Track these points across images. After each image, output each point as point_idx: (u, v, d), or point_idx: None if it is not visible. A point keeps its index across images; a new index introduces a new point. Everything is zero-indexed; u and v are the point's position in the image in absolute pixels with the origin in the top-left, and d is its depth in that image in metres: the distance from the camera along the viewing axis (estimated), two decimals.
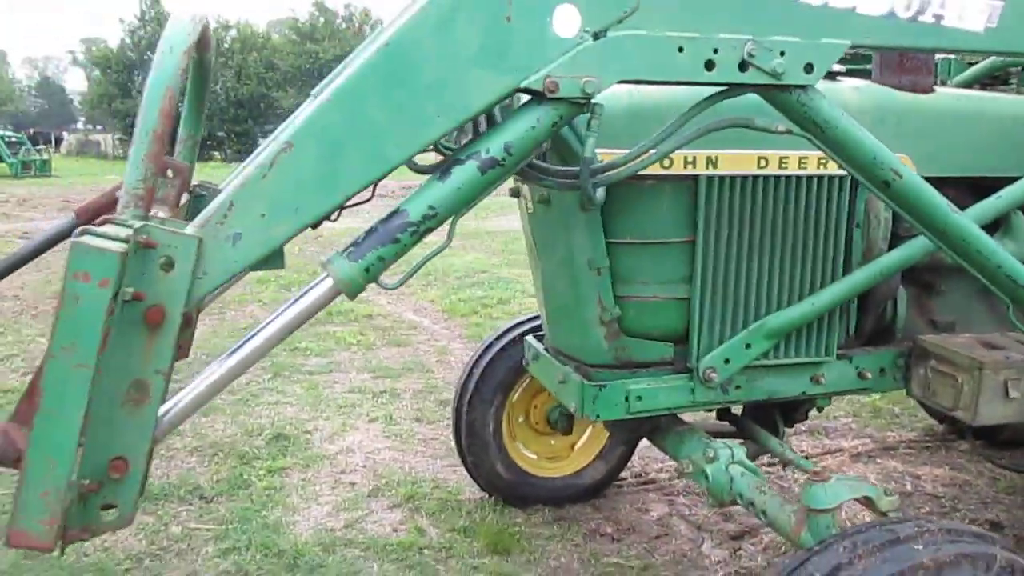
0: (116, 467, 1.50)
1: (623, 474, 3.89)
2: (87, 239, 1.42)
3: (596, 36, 1.66)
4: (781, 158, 2.33)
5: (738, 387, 2.45)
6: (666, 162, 2.15)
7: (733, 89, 1.81)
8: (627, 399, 2.36)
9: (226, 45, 35.17)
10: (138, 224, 1.47)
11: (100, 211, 1.93)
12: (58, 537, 1.45)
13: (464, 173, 1.69)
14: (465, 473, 3.73)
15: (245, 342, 1.68)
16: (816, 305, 2.38)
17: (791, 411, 2.77)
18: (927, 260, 2.50)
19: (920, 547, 1.69)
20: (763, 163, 2.32)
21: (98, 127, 54.64)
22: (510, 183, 2.48)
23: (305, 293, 1.70)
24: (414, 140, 1.66)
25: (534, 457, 3.70)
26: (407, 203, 1.70)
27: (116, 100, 37.73)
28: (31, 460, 1.43)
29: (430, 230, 1.72)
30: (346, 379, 5.47)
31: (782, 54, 1.73)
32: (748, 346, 2.38)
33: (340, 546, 3.29)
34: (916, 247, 2.42)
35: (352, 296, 1.70)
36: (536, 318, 3.53)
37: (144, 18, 38.24)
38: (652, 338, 2.43)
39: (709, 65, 1.72)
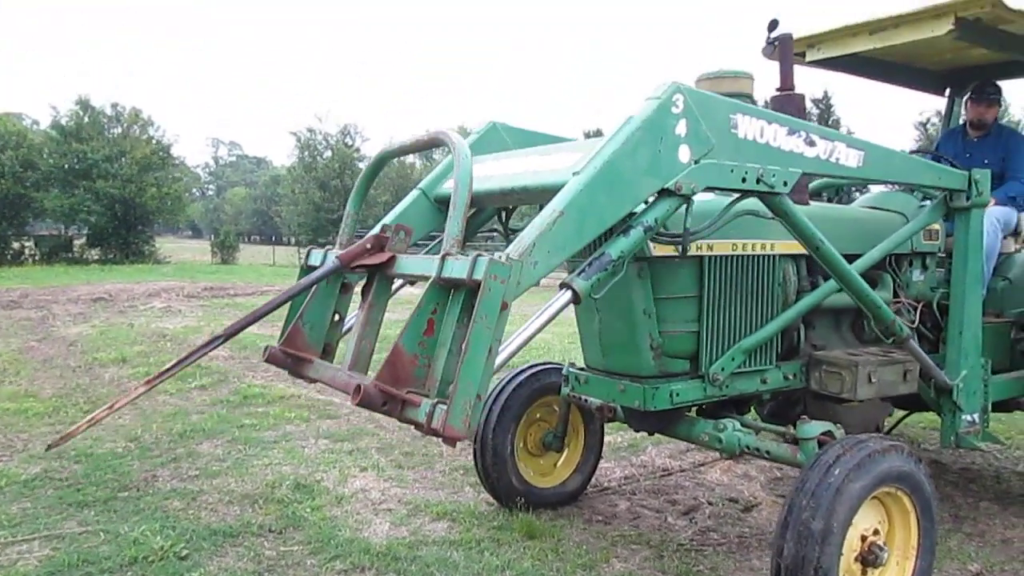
0: (478, 397, 2.35)
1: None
2: (496, 256, 2.32)
3: (696, 162, 3.03)
4: (743, 244, 3.86)
5: (726, 386, 3.87)
6: (691, 248, 3.58)
7: (749, 194, 3.24)
8: (671, 395, 3.68)
9: None
10: (496, 256, 2.39)
11: (356, 257, 2.87)
12: (469, 431, 2.30)
13: (636, 232, 2.90)
14: (467, 496, 4.93)
15: (518, 335, 2.62)
16: (765, 333, 3.88)
17: (742, 405, 4.25)
18: (809, 308, 4.12)
19: (872, 444, 3.18)
20: (735, 247, 3.83)
21: None
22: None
23: (550, 304, 2.73)
24: (617, 213, 2.86)
25: (531, 473, 4.90)
26: (608, 247, 2.84)
27: None
28: (460, 384, 2.21)
29: (620, 266, 2.87)
30: (312, 444, 6.24)
31: (774, 175, 3.21)
32: (732, 359, 3.80)
33: (418, 545, 4.25)
34: (810, 299, 4.01)
35: (582, 300, 2.77)
36: (527, 368, 4.83)
37: None
38: (678, 357, 3.79)
39: (743, 179, 3.13)
